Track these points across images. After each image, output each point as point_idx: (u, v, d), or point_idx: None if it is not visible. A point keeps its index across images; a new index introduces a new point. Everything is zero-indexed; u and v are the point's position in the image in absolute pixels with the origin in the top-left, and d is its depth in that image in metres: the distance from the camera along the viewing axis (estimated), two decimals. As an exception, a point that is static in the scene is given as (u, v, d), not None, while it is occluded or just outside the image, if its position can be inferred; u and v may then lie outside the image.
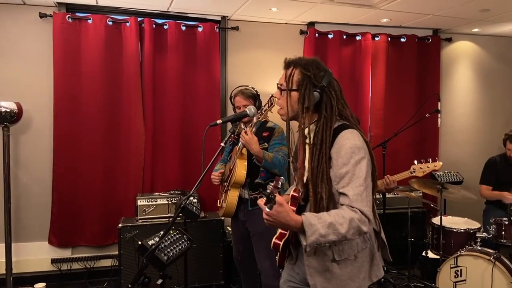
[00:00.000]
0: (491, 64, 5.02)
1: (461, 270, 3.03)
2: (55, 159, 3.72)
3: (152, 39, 3.89)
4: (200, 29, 4.04)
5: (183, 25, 4.00)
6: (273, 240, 1.77)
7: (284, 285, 1.90)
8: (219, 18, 4.14)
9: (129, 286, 1.96)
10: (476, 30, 4.69)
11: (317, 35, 4.32)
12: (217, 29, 4.09)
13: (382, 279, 1.77)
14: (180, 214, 2.20)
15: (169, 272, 2.31)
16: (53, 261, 3.80)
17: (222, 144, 2.15)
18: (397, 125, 4.24)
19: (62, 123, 3.72)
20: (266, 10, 3.86)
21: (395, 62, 4.56)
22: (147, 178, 3.94)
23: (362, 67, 4.47)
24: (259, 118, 2.58)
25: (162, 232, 2.22)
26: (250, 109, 2.48)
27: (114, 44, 3.83)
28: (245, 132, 2.62)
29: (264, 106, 2.51)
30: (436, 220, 3.44)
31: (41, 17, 3.68)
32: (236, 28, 4.17)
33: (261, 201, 1.47)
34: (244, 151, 2.74)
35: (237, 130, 2.23)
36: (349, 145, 1.56)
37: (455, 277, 3.04)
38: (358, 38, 4.46)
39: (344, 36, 4.41)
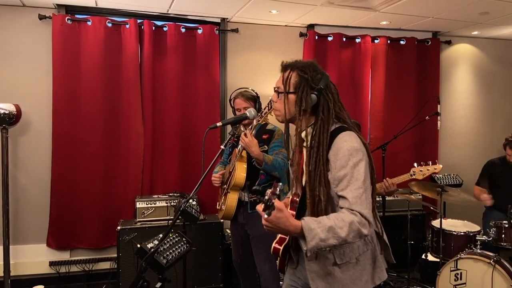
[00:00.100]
0: (490, 67, 5.03)
1: (461, 273, 3.01)
2: (53, 161, 3.71)
3: (151, 41, 3.89)
4: (199, 31, 4.04)
5: (182, 27, 4.00)
6: (273, 245, 1.76)
7: None
8: (218, 20, 4.14)
9: (128, 289, 1.95)
10: (475, 33, 4.69)
11: (316, 37, 4.32)
12: (217, 31, 4.09)
13: (382, 282, 1.76)
14: (179, 217, 2.19)
15: (168, 275, 2.29)
16: (51, 263, 3.78)
17: (222, 147, 2.14)
18: (396, 127, 4.23)
19: (61, 125, 3.71)
20: (266, 12, 3.86)
21: (394, 64, 4.56)
22: (146, 180, 3.93)
23: (361, 70, 4.47)
24: (259, 120, 2.57)
25: (161, 235, 2.21)
26: (250, 112, 2.47)
27: (114, 46, 3.82)
28: (245, 135, 2.61)
29: (264, 108, 2.51)
30: (436, 223, 3.43)
31: (40, 18, 3.67)
32: (235, 30, 4.17)
33: (260, 207, 1.46)
34: (244, 153, 2.73)
35: (237, 133, 2.23)
36: (347, 147, 1.55)
37: (455, 280, 3.03)
38: (357, 40, 4.46)
39: (344, 39, 4.41)
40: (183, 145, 4.03)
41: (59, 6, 3.72)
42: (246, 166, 2.72)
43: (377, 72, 4.52)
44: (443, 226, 3.29)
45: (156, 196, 3.75)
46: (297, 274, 1.82)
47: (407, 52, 4.59)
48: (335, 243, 1.46)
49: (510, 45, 5.06)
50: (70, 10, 3.79)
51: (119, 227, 3.45)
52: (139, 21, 3.87)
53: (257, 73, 4.21)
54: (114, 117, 3.86)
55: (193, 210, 2.70)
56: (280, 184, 1.50)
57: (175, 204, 3.62)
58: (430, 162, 3.09)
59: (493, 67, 5.04)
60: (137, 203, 3.61)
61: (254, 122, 2.64)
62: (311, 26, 4.36)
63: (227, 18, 4.13)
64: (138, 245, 2.17)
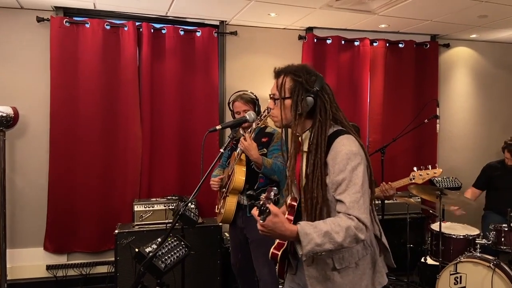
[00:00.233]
0: (488, 70, 5.04)
1: (460, 276, 3.01)
2: (51, 164, 3.68)
3: (150, 43, 3.88)
4: (198, 34, 4.03)
5: (181, 30, 3.99)
6: (271, 250, 1.75)
7: None
8: (217, 23, 4.14)
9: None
10: (473, 36, 4.71)
11: (315, 40, 4.32)
12: (216, 34, 4.08)
13: (382, 287, 1.74)
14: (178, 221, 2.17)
15: (166, 279, 2.28)
16: (48, 267, 3.75)
17: (222, 150, 2.13)
18: (395, 130, 4.23)
19: (59, 127, 3.69)
20: (264, 15, 3.86)
21: (393, 67, 4.56)
22: (144, 183, 3.90)
23: (360, 73, 4.47)
24: (258, 124, 2.56)
25: (159, 239, 2.19)
26: (250, 115, 2.46)
27: (112, 49, 3.81)
28: (244, 138, 2.60)
29: (264, 111, 2.50)
30: (435, 226, 3.42)
31: (38, 21, 3.66)
32: (234, 33, 4.16)
33: (255, 212, 1.45)
34: (243, 156, 2.72)
35: (236, 136, 2.22)
36: (345, 151, 1.54)
37: (454, 283, 3.02)
38: (356, 43, 4.46)
39: (343, 42, 4.41)
40: (181, 148, 4.02)
41: (57, 8, 3.71)
42: (245, 170, 2.71)
43: (375, 75, 4.52)
44: (442, 229, 3.28)
45: (154, 199, 3.73)
46: (296, 280, 1.80)
47: (405, 55, 4.60)
48: (331, 248, 1.45)
49: (508, 48, 5.07)
50: (68, 12, 3.77)
51: (116, 231, 3.43)
52: (137, 23, 3.85)
53: (256, 76, 4.21)
54: (112, 120, 3.84)
55: (192, 214, 2.69)
56: (275, 188, 1.50)
57: (173, 207, 3.60)
58: (430, 166, 3.09)
59: (491, 70, 5.05)
60: (135, 206, 3.59)
61: (254, 125, 2.62)
62: (309, 29, 4.36)
63: (226, 21, 4.13)
64: (136, 250, 2.15)
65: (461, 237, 3.29)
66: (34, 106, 3.71)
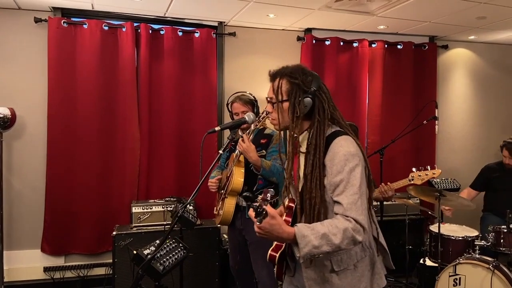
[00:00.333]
0: (487, 71, 5.05)
1: (459, 278, 3.00)
2: (48, 165, 3.66)
3: (148, 44, 3.87)
4: (197, 35, 4.02)
5: (179, 31, 3.98)
6: (269, 252, 1.74)
7: None
8: (216, 24, 4.13)
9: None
10: (472, 37, 4.71)
11: (314, 41, 4.32)
12: (214, 34, 4.07)
13: (380, 288, 1.73)
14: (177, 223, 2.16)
15: (164, 281, 2.26)
16: (46, 269, 3.73)
17: (220, 151, 2.12)
18: (394, 131, 4.23)
19: (56, 129, 3.67)
20: (263, 16, 3.85)
21: (392, 68, 4.56)
22: (142, 185, 3.89)
23: (359, 74, 4.47)
24: (257, 125, 2.55)
25: (158, 241, 2.17)
26: (249, 116, 2.45)
27: (110, 50, 3.79)
28: (242, 140, 2.59)
29: (262, 113, 2.49)
30: (434, 228, 3.42)
31: (36, 21, 3.64)
32: (233, 34, 4.16)
33: (252, 213, 1.45)
34: (242, 158, 2.71)
35: (235, 137, 2.21)
36: (343, 152, 1.54)
37: (454, 285, 3.01)
38: (355, 44, 4.46)
39: (341, 43, 4.41)
40: (179, 149, 4.00)
41: (55, 9, 3.69)
42: (243, 171, 2.70)
43: (374, 76, 4.52)
44: (441, 231, 3.28)
45: (152, 200, 3.71)
46: (294, 282, 1.79)
47: (404, 56, 4.60)
48: (329, 250, 1.45)
49: (507, 50, 5.08)
50: (66, 13, 3.76)
51: (114, 232, 3.41)
52: (135, 24, 3.84)
53: (255, 77, 4.20)
54: (110, 121, 3.83)
55: (190, 215, 2.68)
56: (271, 190, 1.51)
57: (171, 209, 3.58)
58: (429, 167, 3.08)
59: (490, 71, 5.06)
60: (133, 208, 3.57)
61: (252, 126, 2.62)
62: (308, 30, 4.36)
63: (224, 22, 4.12)
64: (135, 252, 2.14)
65: (460, 238, 3.28)
66: (32, 107, 3.69)
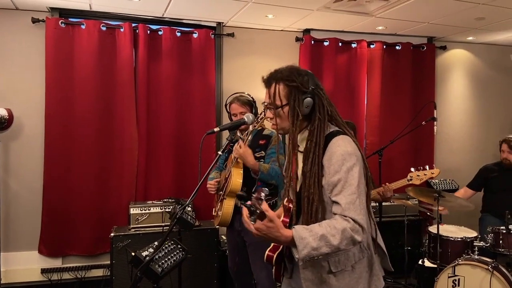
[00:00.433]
0: (485, 72, 5.05)
1: (459, 279, 2.99)
2: (46, 166, 3.65)
3: (146, 45, 3.85)
4: (195, 35, 4.01)
5: (178, 31, 3.97)
6: (267, 252, 1.73)
7: None
8: (214, 25, 4.12)
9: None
10: (470, 38, 4.72)
11: (312, 42, 4.32)
12: (213, 35, 4.07)
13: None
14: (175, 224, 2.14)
15: (162, 283, 2.25)
16: (43, 271, 3.71)
17: (220, 153, 2.11)
18: (392, 132, 4.23)
19: (54, 129, 3.65)
20: (262, 17, 3.85)
21: (390, 69, 4.57)
22: (140, 186, 3.87)
23: (357, 75, 4.47)
24: (255, 126, 2.54)
25: (156, 243, 2.16)
26: (248, 117, 2.44)
27: (108, 50, 3.78)
28: (239, 146, 2.59)
29: (260, 114, 2.48)
30: (432, 229, 3.42)
31: (33, 22, 3.62)
32: (231, 35, 4.15)
33: (246, 213, 1.44)
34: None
35: (234, 138, 2.21)
36: (340, 152, 1.54)
37: (453, 286, 3.00)
38: (353, 45, 4.46)
39: (340, 44, 4.41)
40: (178, 150, 3.99)
41: (52, 9, 3.68)
42: (242, 172, 2.70)
43: (373, 77, 4.52)
44: (440, 232, 3.27)
45: (151, 202, 3.70)
46: (292, 284, 1.78)
47: (402, 57, 4.60)
48: (328, 251, 1.44)
49: (505, 51, 5.09)
50: (64, 13, 3.74)
51: (112, 234, 3.39)
52: (133, 24, 3.83)
53: (253, 78, 4.18)
54: (108, 122, 3.81)
55: (189, 217, 2.66)
56: (266, 189, 1.50)
57: (170, 210, 3.57)
58: (428, 167, 3.07)
59: (488, 72, 5.06)
60: (131, 209, 3.55)
61: (250, 127, 2.61)
62: (307, 31, 4.36)
63: (223, 22, 4.11)
64: (133, 253, 2.13)
65: (459, 239, 3.28)
66: (29, 107, 3.67)
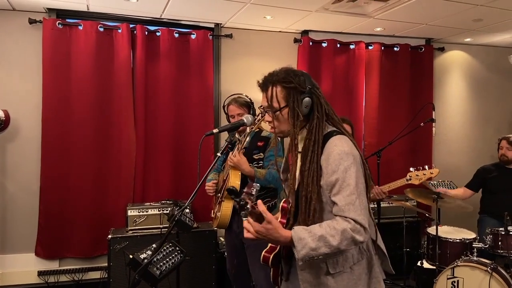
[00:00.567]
0: (482, 74, 5.06)
1: (458, 281, 2.99)
2: (43, 168, 3.62)
3: (144, 46, 3.84)
4: (193, 37, 4.00)
5: (176, 32, 3.96)
6: (263, 253, 1.73)
7: None
8: (212, 26, 4.11)
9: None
10: (468, 39, 4.72)
11: (311, 43, 4.31)
12: (211, 36, 4.05)
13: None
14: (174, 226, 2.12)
15: (160, 285, 2.23)
16: (40, 273, 3.68)
17: (219, 154, 2.10)
18: (390, 134, 4.23)
19: (51, 131, 3.63)
20: (260, 18, 3.84)
21: (388, 71, 4.57)
22: (138, 188, 3.85)
23: (356, 76, 4.46)
24: (252, 128, 2.54)
25: (154, 245, 2.14)
26: (248, 118, 2.43)
27: (105, 51, 3.76)
28: (233, 155, 2.59)
29: (258, 115, 2.47)
30: (431, 230, 3.41)
31: (30, 23, 3.60)
32: (229, 36, 4.14)
33: (247, 225, 1.46)
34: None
35: (233, 139, 2.20)
36: (337, 152, 1.54)
37: (452, 288, 3.01)
38: (351, 46, 4.46)
39: (338, 45, 4.41)
40: (176, 152, 3.97)
41: (49, 10, 3.66)
42: (240, 173, 2.68)
43: (371, 78, 4.51)
44: (439, 233, 3.27)
45: (148, 203, 3.67)
46: (290, 287, 1.77)
47: (400, 58, 4.60)
48: (327, 252, 1.44)
49: (502, 52, 5.10)
50: (61, 14, 3.72)
51: (110, 236, 3.37)
52: (131, 25, 3.81)
53: (251, 79, 4.11)
54: (105, 123, 3.79)
55: (187, 219, 2.64)
56: (257, 184, 1.51)
57: (168, 212, 3.55)
58: (427, 167, 3.07)
59: (486, 73, 5.07)
60: (129, 211, 3.53)
61: (248, 129, 2.60)
62: (305, 32, 4.35)
63: (221, 24, 4.10)
64: (131, 256, 2.11)
65: (458, 241, 3.27)
66: (26, 109, 3.65)
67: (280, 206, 1.70)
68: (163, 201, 3.72)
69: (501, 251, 3.19)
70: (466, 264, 2.97)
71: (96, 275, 3.80)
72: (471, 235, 3.38)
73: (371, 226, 1.64)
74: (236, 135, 2.78)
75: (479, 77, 5.05)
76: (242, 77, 4.18)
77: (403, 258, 3.74)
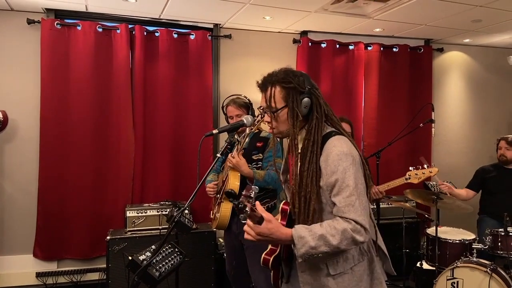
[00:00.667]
0: (481, 74, 5.07)
1: (457, 282, 2.98)
2: (41, 169, 3.61)
3: (143, 46, 3.83)
4: (192, 37, 3.99)
5: (175, 33, 3.95)
6: (263, 255, 1.72)
7: None
8: (211, 26, 4.10)
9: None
10: (467, 40, 4.73)
11: (310, 44, 4.31)
12: (210, 37, 4.05)
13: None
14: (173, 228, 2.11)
15: (159, 286, 2.22)
16: (38, 275, 3.67)
17: (219, 155, 2.10)
18: (389, 134, 4.23)
19: (49, 132, 3.61)
20: (259, 18, 3.83)
21: (387, 71, 4.57)
22: (137, 188, 3.84)
23: (355, 76, 4.46)
24: (251, 129, 2.53)
25: (153, 247, 2.13)
26: (247, 119, 2.42)
27: (104, 52, 3.75)
28: (232, 156, 2.58)
29: (257, 116, 2.46)
30: (431, 231, 3.41)
31: (29, 23, 3.59)
32: (228, 36, 4.13)
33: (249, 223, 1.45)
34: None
35: (232, 140, 2.20)
36: (336, 152, 1.53)
37: (451, 289, 3.00)
38: (351, 47, 4.46)
39: (337, 45, 4.41)
40: (174, 153, 3.96)
41: (48, 10, 3.65)
42: (239, 174, 2.67)
43: (370, 79, 4.51)
44: (438, 234, 3.26)
45: (147, 204, 3.66)
46: None
47: (400, 59, 4.60)
48: (327, 250, 1.45)
49: (501, 53, 5.11)
50: (60, 14, 3.71)
51: (108, 237, 3.35)
52: (130, 26, 3.81)
53: (250, 80, 4.11)
54: (104, 124, 3.78)
55: (186, 220, 2.63)
56: (256, 187, 1.51)
57: (166, 213, 3.54)
58: (426, 166, 3.07)
59: (485, 74, 5.08)
60: (127, 212, 3.52)
61: (247, 130, 2.59)
62: (304, 33, 4.35)
63: (220, 24, 4.09)
64: (130, 257, 2.09)
65: (457, 241, 3.27)
66: (24, 109, 3.64)
67: (280, 208, 1.69)
68: (162, 202, 3.71)
69: (501, 252, 3.19)
70: (466, 265, 2.97)
71: (94, 276, 3.78)
72: (471, 236, 3.38)
73: (371, 227, 1.63)
74: (236, 136, 2.77)
75: (478, 77, 5.05)
76: (241, 78, 4.18)
77: (403, 259, 3.73)
